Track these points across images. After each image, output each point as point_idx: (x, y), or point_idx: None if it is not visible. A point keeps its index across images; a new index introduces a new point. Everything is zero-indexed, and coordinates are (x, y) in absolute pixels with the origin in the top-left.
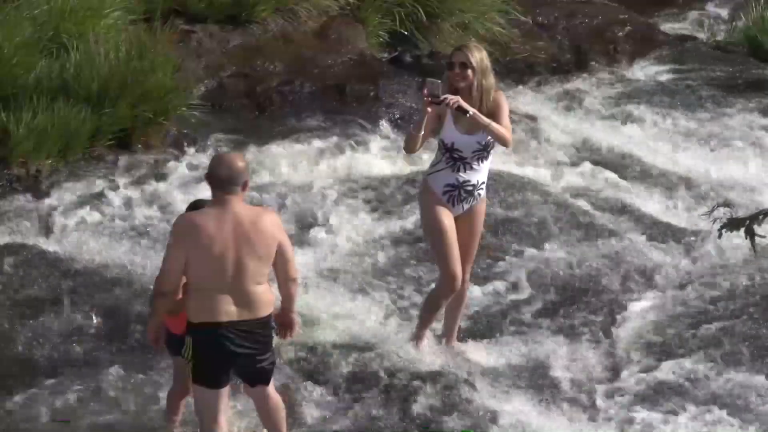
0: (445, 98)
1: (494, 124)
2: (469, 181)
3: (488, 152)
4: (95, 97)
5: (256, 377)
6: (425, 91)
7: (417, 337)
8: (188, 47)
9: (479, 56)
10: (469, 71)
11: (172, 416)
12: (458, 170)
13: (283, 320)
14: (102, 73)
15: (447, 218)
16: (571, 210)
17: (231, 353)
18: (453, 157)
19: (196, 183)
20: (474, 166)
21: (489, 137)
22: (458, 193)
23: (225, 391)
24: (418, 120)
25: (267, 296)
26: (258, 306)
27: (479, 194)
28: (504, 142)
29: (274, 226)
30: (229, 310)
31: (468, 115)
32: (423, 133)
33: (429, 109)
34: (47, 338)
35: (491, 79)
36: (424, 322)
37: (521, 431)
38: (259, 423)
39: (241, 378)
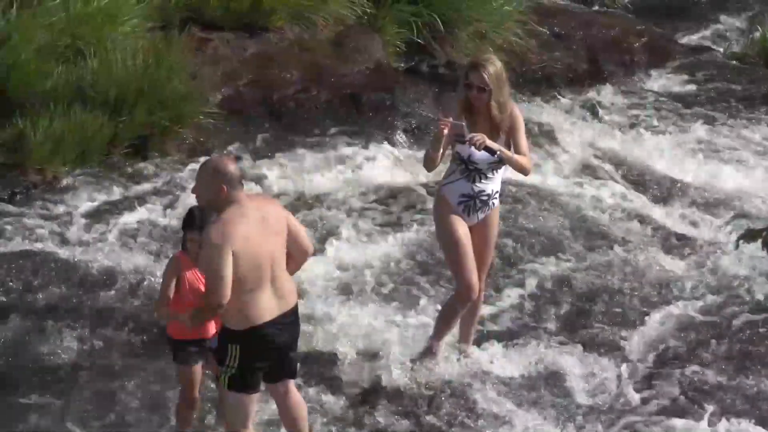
0: (472, 137)
1: (517, 158)
2: (484, 191)
3: (503, 162)
4: (112, 103)
5: (284, 371)
6: (448, 130)
7: (432, 346)
8: (205, 55)
9: (495, 72)
10: (487, 93)
11: (185, 424)
12: (474, 180)
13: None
14: (119, 80)
15: (462, 229)
16: (587, 220)
17: (275, 349)
18: (468, 169)
19: None
20: (489, 176)
21: (507, 145)
22: (474, 203)
23: (257, 397)
24: (435, 141)
25: (293, 286)
26: (290, 294)
27: (493, 203)
28: (524, 173)
29: (279, 207)
30: (271, 307)
31: (496, 156)
32: (442, 152)
33: (446, 131)
34: (63, 343)
35: (507, 90)
36: (440, 331)
37: None
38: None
39: (267, 377)
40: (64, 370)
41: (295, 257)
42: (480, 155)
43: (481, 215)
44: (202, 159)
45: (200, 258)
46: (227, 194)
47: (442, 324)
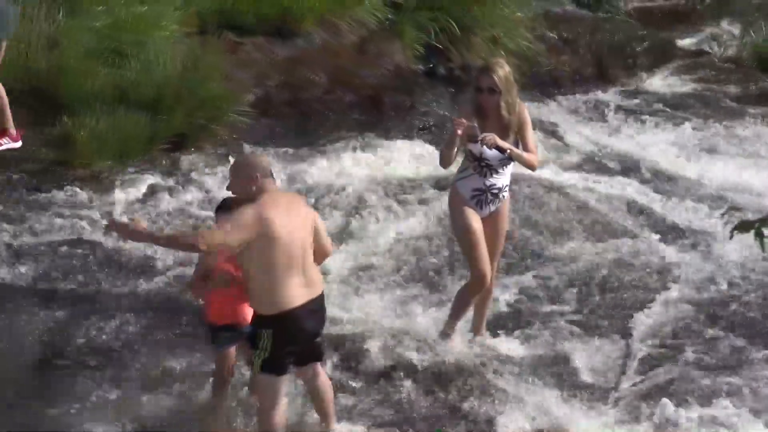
0: (484, 137)
1: (525, 155)
2: (495, 185)
3: (512, 159)
4: (152, 104)
5: (312, 354)
6: (460, 131)
7: (448, 330)
8: (238, 58)
9: (504, 75)
10: (497, 94)
11: (219, 402)
12: (485, 176)
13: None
14: (159, 81)
15: (475, 220)
16: (593, 212)
17: (304, 334)
18: (480, 165)
19: None
20: (499, 171)
21: (516, 143)
22: (485, 196)
23: (287, 378)
24: (450, 141)
25: (320, 276)
26: (318, 283)
27: (504, 196)
28: (532, 169)
29: (309, 207)
30: (301, 293)
31: (506, 154)
32: (456, 150)
33: (459, 132)
34: (105, 324)
35: (515, 92)
36: (455, 314)
37: (544, 417)
38: (304, 412)
39: (296, 361)
40: (105, 348)
41: (317, 255)
42: (491, 153)
43: (492, 207)
44: (235, 154)
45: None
46: (260, 184)
47: (458, 307)
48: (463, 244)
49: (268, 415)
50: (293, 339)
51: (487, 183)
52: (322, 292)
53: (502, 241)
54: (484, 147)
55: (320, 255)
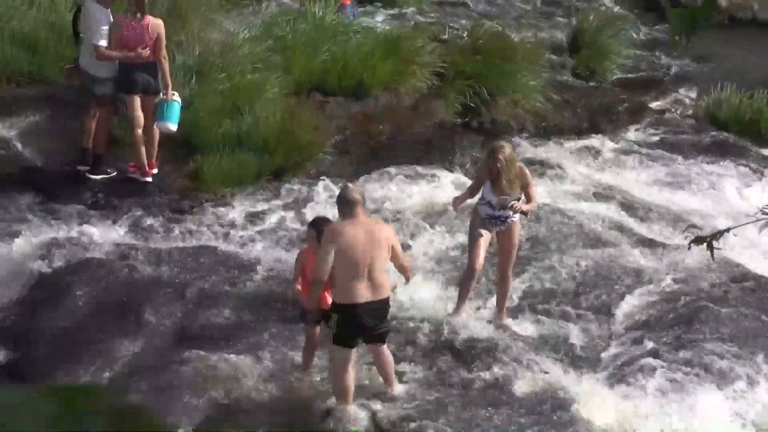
0: (512, 205)
1: (532, 209)
2: (501, 216)
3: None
4: (260, 146)
5: (376, 339)
6: (456, 209)
7: (458, 309)
8: (324, 113)
9: (505, 157)
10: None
11: (307, 366)
12: (494, 209)
13: (406, 278)
14: (265, 130)
15: (484, 232)
16: (585, 229)
17: (363, 324)
18: (492, 206)
19: (329, 205)
20: (505, 209)
21: (517, 196)
22: (494, 221)
23: (354, 350)
24: (455, 207)
25: (388, 283)
26: (382, 290)
27: (511, 221)
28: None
29: (388, 231)
30: (364, 294)
31: (528, 216)
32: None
33: (456, 210)
34: (223, 309)
35: (515, 166)
36: (461, 295)
37: (546, 380)
38: (371, 376)
39: (365, 340)
40: (224, 334)
41: (398, 271)
42: (498, 200)
43: (502, 227)
44: (321, 183)
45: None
46: (344, 213)
47: (461, 290)
48: (469, 243)
49: (339, 377)
50: (353, 325)
51: (496, 214)
52: (386, 298)
53: (513, 252)
54: (492, 195)
55: (400, 271)
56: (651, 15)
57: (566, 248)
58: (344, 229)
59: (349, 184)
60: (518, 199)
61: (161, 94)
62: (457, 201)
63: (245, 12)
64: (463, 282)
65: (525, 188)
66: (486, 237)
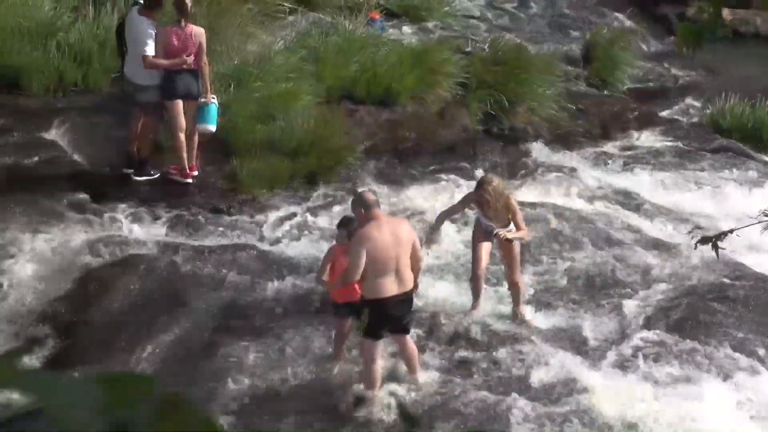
0: (497, 233)
1: (521, 236)
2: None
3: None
4: (294, 151)
5: (402, 330)
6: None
7: (474, 305)
8: (354, 120)
9: (492, 189)
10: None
11: (337, 356)
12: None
13: (415, 277)
14: (298, 136)
15: (484, 240)
16: (596, 228)
17: (391, 316)
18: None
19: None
20: (490, 232)
21: (504, 223)
22: (491, 235)
23: (382, 342)
24: (439, 221)
25: (411, 277)
26: (407, 284)
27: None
28: (526, 240)
29: (410, 229)
30: (392, 289)
31: (514, 242)
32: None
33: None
34: (259, 304)
35: (504, 197)
36: (475, 294)
37: (563, 371)
38: (396, 365)
39: (390, 331)
40: (259, 324)
41: (413, 264)
42: (491, 225)
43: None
44: (350, 186)
45: (349, 252)
46: (364, 215)
47: (473, 290)
48: (472, 251)
49: (368, 367)
50: (383, 317)
51: (490, 229)
52: (410, 291)
53: (515, 261)
54: (484, 220)
55: (415, 264)
56: (660, 29)
57: (578, 247)
58: (372, 233)
59: (363, 188)
60: (506, 226)
61: (201, 98)
62: (439, 220)
63: (279, 24)
64: (472, 284)
65: (512, 218)
66: (487, 244)
